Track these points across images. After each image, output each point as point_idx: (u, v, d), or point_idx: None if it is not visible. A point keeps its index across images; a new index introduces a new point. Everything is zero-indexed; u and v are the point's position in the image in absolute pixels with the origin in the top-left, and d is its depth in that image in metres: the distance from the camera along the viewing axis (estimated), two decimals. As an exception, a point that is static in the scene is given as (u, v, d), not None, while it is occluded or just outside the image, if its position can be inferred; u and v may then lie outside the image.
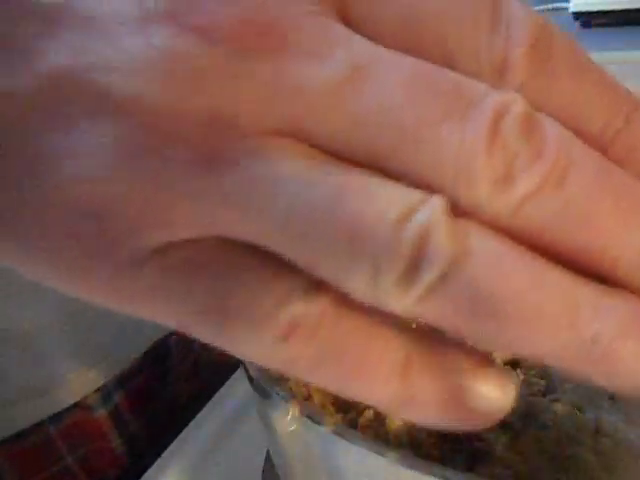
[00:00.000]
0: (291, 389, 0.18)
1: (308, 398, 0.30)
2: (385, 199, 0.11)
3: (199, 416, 0.40)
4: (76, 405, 0.42)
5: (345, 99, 0.11)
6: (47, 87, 0.12)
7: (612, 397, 0.29)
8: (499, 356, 0.31)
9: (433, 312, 0.11)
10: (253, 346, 0.12)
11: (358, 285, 0.11)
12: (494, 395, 0.12)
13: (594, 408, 0.27)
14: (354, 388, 0.12)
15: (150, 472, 0.36)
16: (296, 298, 0.12)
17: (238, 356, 0.13)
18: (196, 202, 0.12)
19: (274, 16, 0.12)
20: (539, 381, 0.29)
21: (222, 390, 0.41)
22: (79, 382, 0.42)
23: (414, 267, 0.10)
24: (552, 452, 0.24)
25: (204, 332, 0.13)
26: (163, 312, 0.13)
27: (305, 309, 0.12)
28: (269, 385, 0.18)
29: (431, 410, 0.12)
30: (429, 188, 0.11)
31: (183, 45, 0.11)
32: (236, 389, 0.41)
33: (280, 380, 0.19)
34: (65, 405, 0.41)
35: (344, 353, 0.12)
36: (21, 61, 0.12)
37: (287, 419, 0.18)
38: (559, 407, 0.27)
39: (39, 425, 0.41)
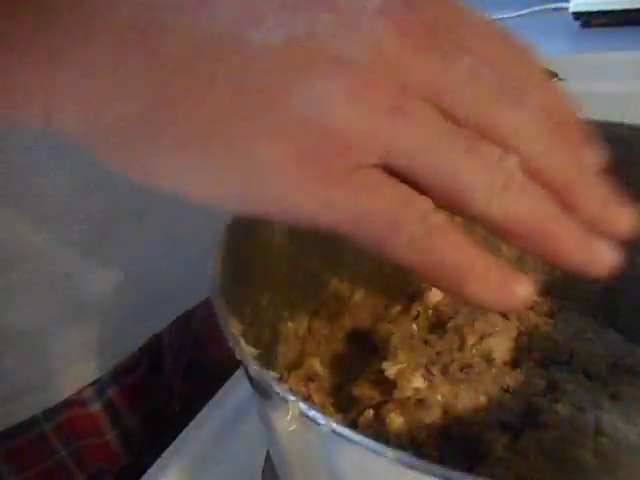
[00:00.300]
0: (291, 389, 0.18)
1: (308, 398, 0.30)
2: (490, 148, 0.18)
3: (199, 416, 0.40)
4: (71, 400, 0.42)
5: (471, 85, 0.18)
6: (290, 50, 0.18)
7: (612, 397, 0.29)
8: (499, 357, 0.31)
9: (514, 213, 0.18)
10: (402, 245, 0.18)
11: (479, 197, 0.18)
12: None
13: (594, 408, 0.27)
14: (459, 287, 0.19)
15: (150, 472, 0.36)
16: (432, 213, 0.18)
17: (383, 253, 0.19)
18: (388, 136, 0.18)
19: (434, 26, 0.19)
20: (539, 381, 0.29)
21: (222, 390, 0.41)
22: (75, 376, 0.42)
23: (507, 183, 0.18)
24: (552, 452, 0.24)
25: (369, 236, 0.18)
26: (344, 222, 0.18)
27: (438, 220, 0.18)
28: (269, 385, 0.18)
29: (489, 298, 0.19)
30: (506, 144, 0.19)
31: (386, 33, 0.18)
32: (236, 389, 0.41)
33: (280, 380, 0.19)
34: (60, 399, 0.42)
35: (458, 257, 0.18)
36: (272, 31, 0.18)
37: (287, 419, 0.18)
38: (559, 407, 0.27)
39: (34, 422, 0.41)
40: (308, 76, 0.18)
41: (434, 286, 0.20)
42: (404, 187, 0.18)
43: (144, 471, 0.37)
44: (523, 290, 0.19)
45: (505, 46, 0.20)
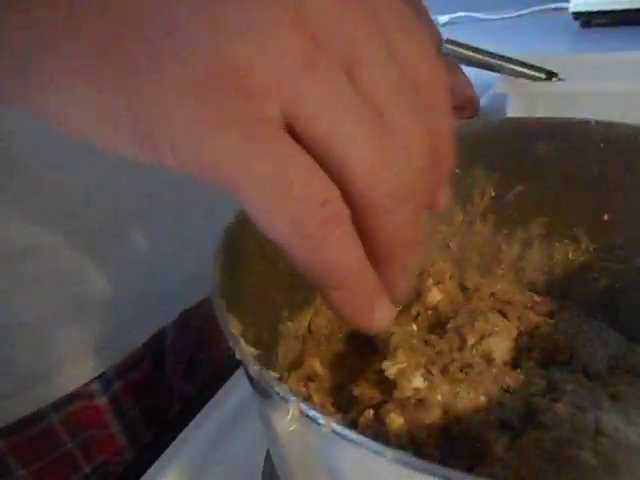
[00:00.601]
0: (291, 389, 0.18)
1: (308, 398, 0.30)
2: (390, 137, 0.18)
3: (199, 416, 0.40)
4: (78, 393, 0.43)
5: (382, 66, 0.18)
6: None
7: (612, 397, 0.29)
8: (499, 357, 0.31)
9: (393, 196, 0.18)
10: (284, 223, 0.16)
11: (364, 177, 0.17)
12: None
13: (594, 408, 0.27)
14: (326, 289, 0.18)
15: (150, 472, 0.36)
16: (335, 202, 0.17)
17: (261, 224, 0.17)
18: (292, 89, 0.16)
19: (328, 34, 0.17)
20: (539, 381, 0.29)
21: (222, 390, 0.41)
22: (77, 373, 0.42)
23: (396, 178, 0.18)
24: (552, 452, 0.24)
25: (249, 198, 0.17)
26: (223, 171, 0.16)
27: (338, 212, 0.17)
28: (269, 385, 0.18)
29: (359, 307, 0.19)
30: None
31: (287, 29, 0.16)
32: (236, 389, 0.41)
33: (280, 380, 0.19)
34: (64, 393, 0.42)
35: (340, 261, 0.17)
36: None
37: (287, 419, 0.18)
38: (559, 407, 0.27)
39: (42, 416, 0.41)
40: (228, 8, 0.16)
41: (300, 274, 0.18)
42: (311, 162, 0.17)
43: (146, 467, 0.37)
44: (382, 317, 0.18)
45: (416, 46, 0.19)
